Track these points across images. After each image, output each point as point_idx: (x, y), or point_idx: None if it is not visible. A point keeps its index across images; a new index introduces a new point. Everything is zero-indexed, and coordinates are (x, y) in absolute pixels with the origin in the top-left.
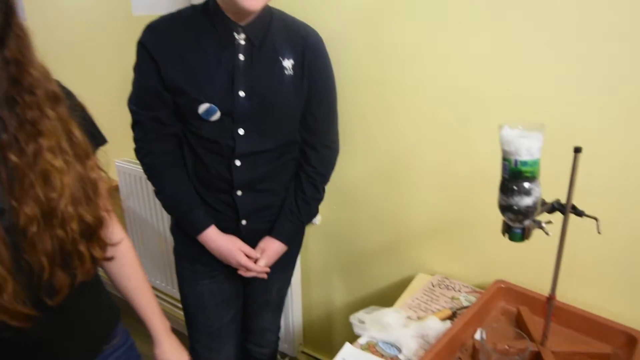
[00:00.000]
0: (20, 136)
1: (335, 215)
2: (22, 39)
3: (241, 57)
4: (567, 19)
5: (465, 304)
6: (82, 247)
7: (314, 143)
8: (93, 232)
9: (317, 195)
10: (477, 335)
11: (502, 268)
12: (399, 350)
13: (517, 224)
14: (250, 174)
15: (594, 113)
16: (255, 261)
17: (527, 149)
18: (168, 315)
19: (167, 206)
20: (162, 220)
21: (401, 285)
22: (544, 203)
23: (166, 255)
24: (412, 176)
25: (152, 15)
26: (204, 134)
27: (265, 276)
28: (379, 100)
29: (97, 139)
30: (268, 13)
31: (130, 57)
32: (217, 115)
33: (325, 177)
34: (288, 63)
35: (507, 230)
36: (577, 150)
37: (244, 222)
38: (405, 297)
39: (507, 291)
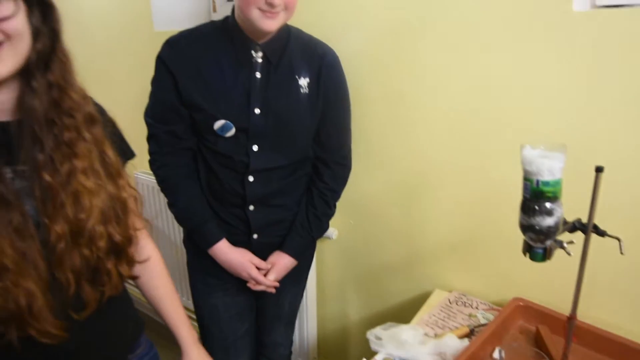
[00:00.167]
0: (56, 157)
1: (351, 229)
2: (65, 63)
3: (258, 74)
4: (587, 37)
5: (482, 321)
6: (110, 265)
7: (327, 160)
8: (121, 250)
9: (329, 211)
10: (496, 354)
11: (520, 285)
12: None
13: (539, 243)
14: (263, 189)
15: (616, 131)
16: (265, 274)
17: (548, 169)
18: None
19: (179, 218)
20: (175, 231)
21: (418, 301)
22: (565, 222)
23: (177, 266)
24: (430, 191)
25: (174, 31)
26: (219, 149)
27: (273, 290)
28: (397, 116)
29: (127, 153)
30: (286, 31)
31: (151, 71)
32: (232, 132)
33: (337, 193)
34: (304, 81)
35: (528, 249)
36: (599, 169)
37: (255, 236)
38: (422, 314)
39: (525, 309)
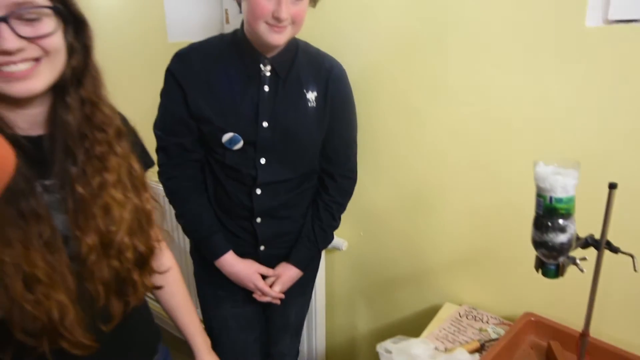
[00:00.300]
0: (88, 170)
1: (361, 241)
2: (96, 79)
3: (266, 88)
4: (600, 53)
5: (493, 336)
6: (136, 276)
7: (333, 173)
8: (145, 261)
9: (334, 223)
10: None
11: (531, 300)
12: None
13: (551, 260)
14: (271, 202)
15: (629, 147)
16: (271, 286)
17: (562, 186)
18: None
19: (186, 230)
20: (183, 242)
21: (427, 314)
22: (577, 238)
23: (186, 275)
24: (441, 205)
25: (187, 42)
26: (227, 162)
27: (278, 302)
28: (407, 129)
29: (147, 162)
30: (294, 45)
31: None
32: (240, 144)
33: (342, 205)
34: (312, 95)
35: (541, 265)
36: (612, 186)
37: (262, 247)
38: (432, 327)
39: (537, 324)
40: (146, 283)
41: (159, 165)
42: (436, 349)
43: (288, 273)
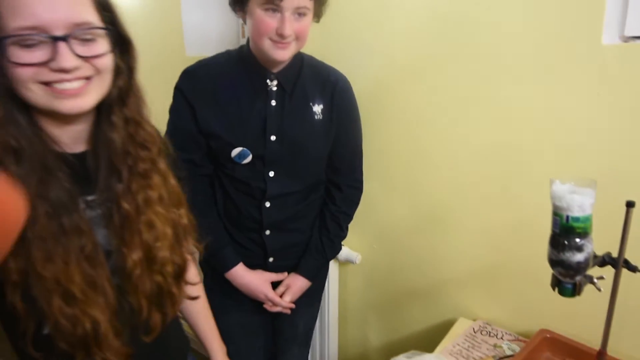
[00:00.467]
0: (133, 186)
1: (375, 254)
2: (139, 98)
3: (273, 102)
4: (617, 70)
5: (508, 352)
6: (174, 289)
7: (340, 183)
8: (181, 274)
9: (341, 233)
10: None
11: (547, 316)
12: None
13: (568, 279)
14: (279, 214)
15: None
16: (281, 296)
17: (579, 205)
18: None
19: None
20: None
21: (441, 329)
22: (595, 256)
23: None
24: (455, 219)
25: (205, 56)
26: (236, 176)
27: (289, 311)
28: (422, 144)
29: (178, 174)
30: (299, 59)
31: None
32: (249, 159)
33: (349, 216)
34: (318, 108)
35: (557, 284)
36: (630, 204)
37: (271, 259)
38: (446, 343)
39: (552, 341)
40: (183, 295)
41: None
42: None
43: (298, 283)
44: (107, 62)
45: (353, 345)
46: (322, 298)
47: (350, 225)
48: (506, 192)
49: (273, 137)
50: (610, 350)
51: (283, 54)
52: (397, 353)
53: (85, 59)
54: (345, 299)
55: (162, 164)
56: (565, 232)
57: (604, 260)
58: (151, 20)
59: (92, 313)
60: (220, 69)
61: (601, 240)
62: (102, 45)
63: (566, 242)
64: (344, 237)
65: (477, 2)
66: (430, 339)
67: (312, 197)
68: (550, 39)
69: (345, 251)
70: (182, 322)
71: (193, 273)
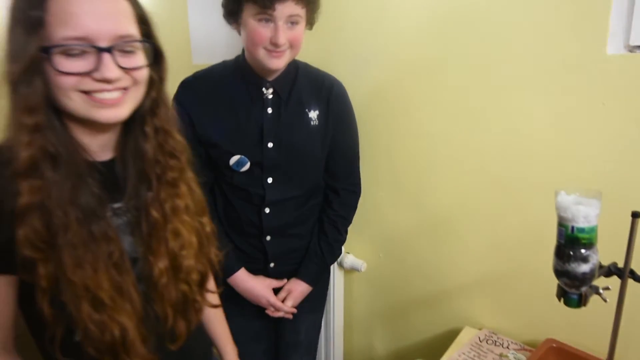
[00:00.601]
0: (162, 195)
1: (380, 263)
2: (168, 109)
3: (269, 110)
4: (622, 80)
5: None
6: (198, 297)
7: (337, 187)
8: (204, 282)
9: (339, 237)
10: None
11: (553, 326)
12: None
13: (574, 289)
14: (279, 220)
15: None
16: (283, 301)
17: (584, 216)
18: None
19: None
20: None
21: (446, 338)
22: (600, 266)
23: None
24: (461, 227)
25: (206, 65)
26: (235, 183)
27: (290, 316)
28: (429, 153)
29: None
30: (294, 67)
31: None
32: (247, 166)
33: (346, 219)
34: (314, 114)
35: (563, 295)
36: (636, 215)
37: (272, 264)
38: (452, 352)
39: (559, 351)
40: (206, 303)
41: None
42: None
43: (299, 288)
44: (144, 74)
45: (358, 353)
46: (328, 306)
47: (356, 233)
48: (513, 200)
49: (270, 144)
50: None
51: (278, 63)
52: None
53: (125, 70)
54: (351, 307)
55: (190, 173)
56: (571, 243)
57: (610, 271)
58: (158, 28)
59: (120, 319)
60: (217, 79)
61: (607, 250)
62: (141, 57)
63: (571, 253)
64: (342, 241)
65: (482, 11)
66: (435, 348)
67: (311, 202)
68: (555, 49)
69: (350, 259)
70: None
71: (212, 279)
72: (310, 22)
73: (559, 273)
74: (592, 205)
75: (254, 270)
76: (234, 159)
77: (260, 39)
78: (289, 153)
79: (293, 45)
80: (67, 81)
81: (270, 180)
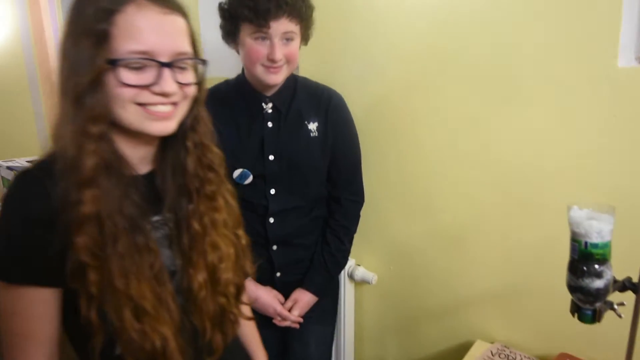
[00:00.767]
0: (201, 208)
1: (392, 275)
2: (206, 125)
3: (269, 124)
4: (633, 93)
5: None
6: (235, 309)
7: (339, 197)
8: (240, 294)
9: (342, 247)
10: None
11: (566, 340)
12: None
13: (588, 305)
14: (283, 229)
15: None
16: (290, 310)
17: (597, 231)
18: None
19: None
20: None
21: (458, 351)
22: (615, 281)
23: None
24: (473, 240)
25: (218, 78)
26: (239, 195)
27: (297, 325)
28: (440, 165)
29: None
30: (292, 81)
31: None
32: (250, 179)
33: (349, 229)
34: (313, 126)
35: (577, 310)
36: None
37: (278, 274)
38: None
39: None
40: (242, 316)
41: None
42: None
43: (305, 298)
44: (193, 90)
45: None
46: (338, 318)
47: (367, 246)
48: (525, 213)
49: (271, 157)
50: None
51: (276, 78)
52: None
53: (180, 85)
54: (361, 319)
55: (228, 185)
56: (584, 259)
57: (624, 286)
58: None
59: (161, 330)
60: (220, 96)
61: (621, 264)
62: (192, 74)
63: (585, 269)
64: (346, 251)
65: (494, 24)
66: None
67: (315, 212)
68: (566, 62)
69: (361, 271)
70: None
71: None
72: (305, 39)
73: (573, 289)
74: (605, 220)
75: (261, 280)
76: (237, 173)
77: (258, 56)
78: (290, 164)
79: (289, 61)
80: (127, 93)
81: (273, 191)
